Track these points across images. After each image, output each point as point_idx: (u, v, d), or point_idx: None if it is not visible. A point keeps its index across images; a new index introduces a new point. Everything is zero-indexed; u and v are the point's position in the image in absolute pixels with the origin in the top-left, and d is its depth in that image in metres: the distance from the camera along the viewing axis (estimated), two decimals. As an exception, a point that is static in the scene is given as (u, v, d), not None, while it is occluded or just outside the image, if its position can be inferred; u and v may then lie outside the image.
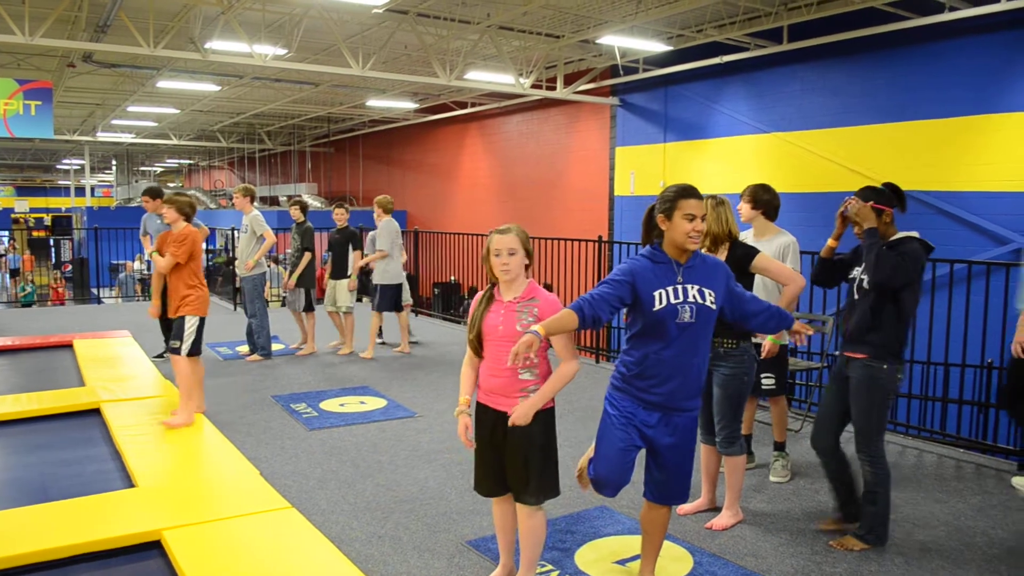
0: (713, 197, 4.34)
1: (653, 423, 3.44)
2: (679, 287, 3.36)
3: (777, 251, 5.11)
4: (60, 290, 19.61)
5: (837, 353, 4.39)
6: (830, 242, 4.37)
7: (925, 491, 5.03)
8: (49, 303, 19.45)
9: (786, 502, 4.82)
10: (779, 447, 5.31)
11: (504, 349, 3.33)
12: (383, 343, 9.81)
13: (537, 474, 3.43)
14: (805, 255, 5.38)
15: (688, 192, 3.38)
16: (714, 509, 4.61)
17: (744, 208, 5.20)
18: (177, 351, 6.06)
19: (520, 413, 3.34)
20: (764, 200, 5.20)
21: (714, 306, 3.40)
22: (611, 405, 3.54)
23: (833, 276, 4.44)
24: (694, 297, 3.36)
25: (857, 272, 4.22)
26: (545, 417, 3.44)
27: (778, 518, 4.58)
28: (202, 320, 6.18)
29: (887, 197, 4.14)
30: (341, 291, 9.17)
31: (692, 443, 3.52)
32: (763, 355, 5.02)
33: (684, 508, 4.61)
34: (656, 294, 3.34)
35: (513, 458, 3.46)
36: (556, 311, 3.30)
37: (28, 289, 20.25)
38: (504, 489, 3.55)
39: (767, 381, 5.22)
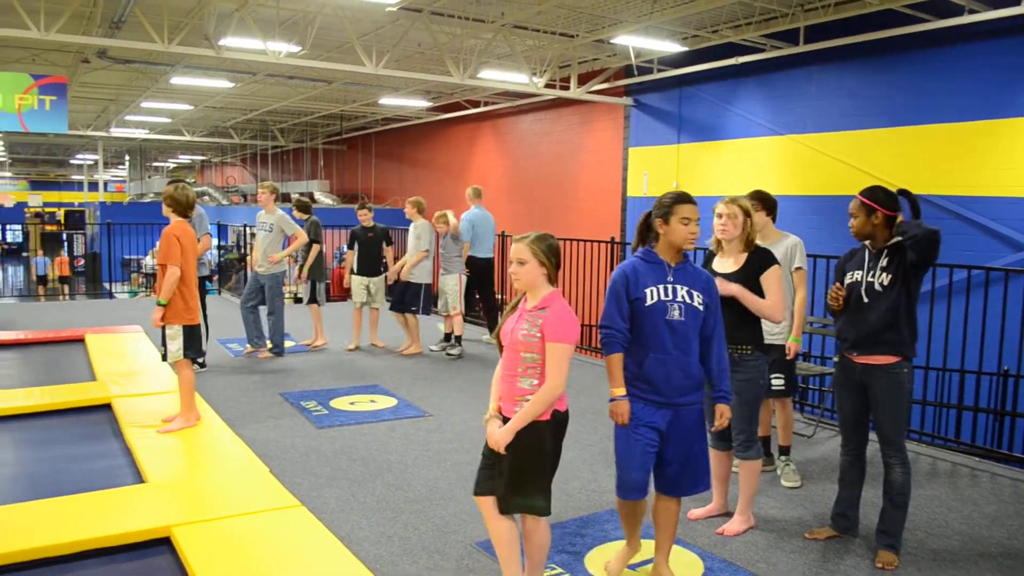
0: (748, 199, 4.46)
1: (661, 420, 3.58)
2: (669, 286, 3.58)
3: (786, 252, 5.12)
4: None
5: (836, 358, 4.32)
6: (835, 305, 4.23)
7: (939, 499, 4.99)
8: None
9: (799, 508, 4.78)
10: (784, 451, 5.28)
11: (510, 354, 3.37)
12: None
13: (504, 487, 3.34)
14: (815, 258, 5.35)
15: (684, 198, 3.62)
16: (726, 514, 4.57)
17: (759, 216, 5.13)
18: (164, 357, 5.85)
19: (496, 440, 3.28)
20: (771, 204, 5.23)
21: (701, 307, 3.60)
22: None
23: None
24: (683, 297, 3.57)
25: (859, 275, 4.10)
26: (525, 435, 3.28)
27: (790, 524, 4.54)
28: (187, 328, 5.79)
29: (880, 198, 4.05)
30: (379, 288, 9.29)
31: (699, 436, 3.67)
32: (788, 356, 5.12)
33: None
34: (648, 291, 3.56)
35: (493, 463, 3.41)
36: (561, 324, 3.26)
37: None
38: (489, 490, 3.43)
39: (777, 382, 5.19)
